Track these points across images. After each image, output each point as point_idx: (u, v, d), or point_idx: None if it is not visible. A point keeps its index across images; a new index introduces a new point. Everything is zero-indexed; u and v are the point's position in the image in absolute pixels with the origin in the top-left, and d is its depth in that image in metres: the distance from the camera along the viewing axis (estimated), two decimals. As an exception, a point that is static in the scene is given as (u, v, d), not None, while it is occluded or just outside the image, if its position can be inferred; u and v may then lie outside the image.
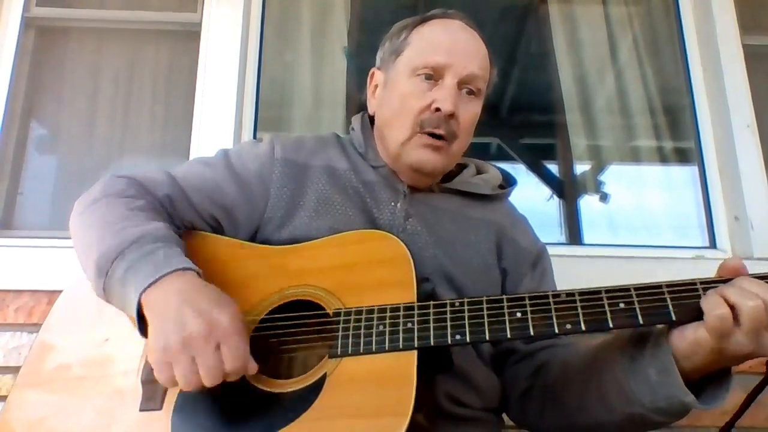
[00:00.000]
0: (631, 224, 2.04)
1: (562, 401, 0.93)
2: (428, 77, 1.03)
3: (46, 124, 1.99)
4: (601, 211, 2.18)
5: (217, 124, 1.77)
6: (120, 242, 0.85)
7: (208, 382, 0.75)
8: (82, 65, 1.99)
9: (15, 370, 1.47)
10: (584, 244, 2.27)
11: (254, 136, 1.82)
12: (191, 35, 1.91)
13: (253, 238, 1.04)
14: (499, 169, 1.21)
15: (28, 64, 1.93)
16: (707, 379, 0.77)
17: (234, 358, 0.76)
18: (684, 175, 2.01)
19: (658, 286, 0.76)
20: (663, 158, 2.07)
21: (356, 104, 2.05)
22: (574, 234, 2.39)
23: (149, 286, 0.80)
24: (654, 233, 1.98)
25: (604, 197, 2.18)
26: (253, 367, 0.79)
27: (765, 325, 0.69)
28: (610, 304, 0.76)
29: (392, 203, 1.06)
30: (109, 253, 0.85)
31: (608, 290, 0.77)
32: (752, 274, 0.74)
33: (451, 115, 1.02)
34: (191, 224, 1.02)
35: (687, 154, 2.02)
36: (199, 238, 1.02)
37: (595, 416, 0.88)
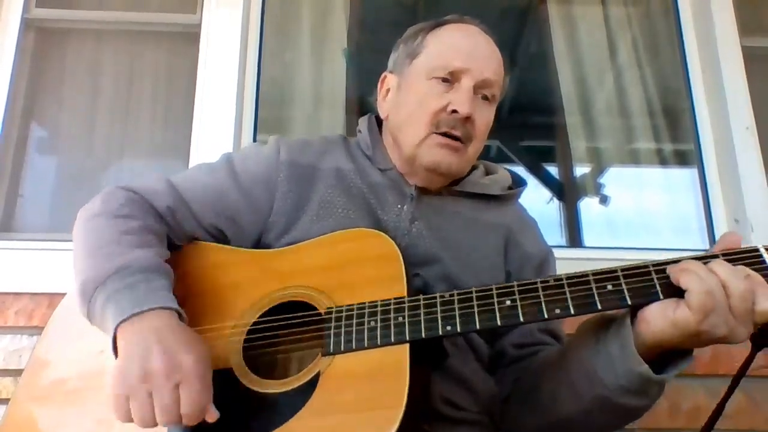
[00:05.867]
0: (631, 226, 2.04)
1: (537, 399, 0.92)
2: (445, 80, 1.02)
3: (46, 125, 1.99)
4: (601, 213, 2.18)
5: (217, 125, 1.77)
6: (103, 271, 0.86)
7: (162, 420, 0.74)
8: (82, 66, 1.99)
9: (15, 373, 1.47)
10: (584, 247, 2.27)
11: (254, 137, 1.82)
12: (191, 36, 1.91)
13: (257, 244, 1.03)
14: (507, 170, 1.19)
15: (28, 66, 1.93)
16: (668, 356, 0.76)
17: (191, 401, 0.75)
18: (684, 177, 2.01)
19: (645, 266, 0.76)
20: (663, 160, 2.06)
21: (356, 104, 2.05)
22: (574, 236, 2.39)
23: (125, 320, 0.81)
24: (654, 235, 1.98)
25: (604, 199, 2.18)
26: (212, 415, 0.77)
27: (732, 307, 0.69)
28: (597, 287, 0.76)
29: (398, 206, 1.05)
30: (90, 281, 0.86)
31: (595, 273, 0.77)
32: (731, 251, 0.75)
33: (468, 118, 1.01)
34: (192, 235, 1.02)
35: (687, 156, 2.02)
36: (191, 246, 1.01)
37: (566, 408, 0.86)
